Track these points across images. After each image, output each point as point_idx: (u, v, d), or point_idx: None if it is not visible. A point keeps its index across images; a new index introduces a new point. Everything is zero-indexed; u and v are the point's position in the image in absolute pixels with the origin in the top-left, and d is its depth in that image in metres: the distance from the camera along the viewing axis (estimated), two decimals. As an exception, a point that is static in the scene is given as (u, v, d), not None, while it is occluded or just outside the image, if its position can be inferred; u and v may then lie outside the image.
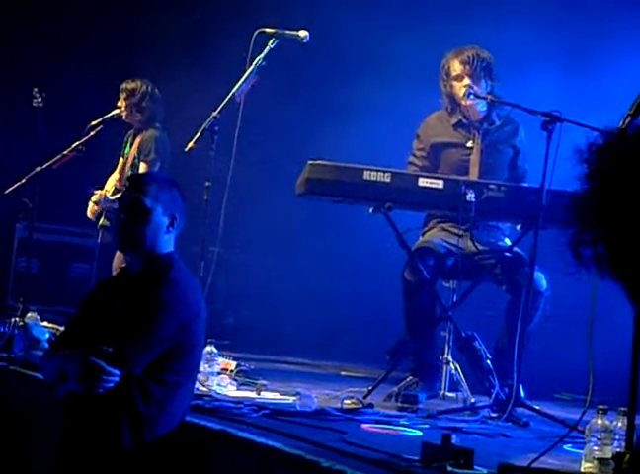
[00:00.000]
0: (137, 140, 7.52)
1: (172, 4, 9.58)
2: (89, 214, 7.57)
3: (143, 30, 9.44)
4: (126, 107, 7.50)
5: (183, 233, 4.21)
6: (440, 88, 5.93)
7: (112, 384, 3.79)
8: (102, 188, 7.62)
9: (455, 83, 5.82)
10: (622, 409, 3.65)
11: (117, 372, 3.80)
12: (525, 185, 5.67)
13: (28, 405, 5.20)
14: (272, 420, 4.42)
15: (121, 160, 7.69)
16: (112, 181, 7.66)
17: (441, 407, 5.33)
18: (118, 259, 7.14)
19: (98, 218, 7.55)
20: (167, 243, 4.09)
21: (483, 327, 5.79)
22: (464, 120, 5.90)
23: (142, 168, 7.38)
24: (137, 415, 3.87)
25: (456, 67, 5.80)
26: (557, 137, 5.14)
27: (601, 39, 7.30)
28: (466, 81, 5.78)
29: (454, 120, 5.92)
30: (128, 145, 7.62)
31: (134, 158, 7.50)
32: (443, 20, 8.11)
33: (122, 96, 7.52)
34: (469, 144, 5.89)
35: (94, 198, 7.48)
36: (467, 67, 5.77)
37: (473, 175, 5.75)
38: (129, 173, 7.47)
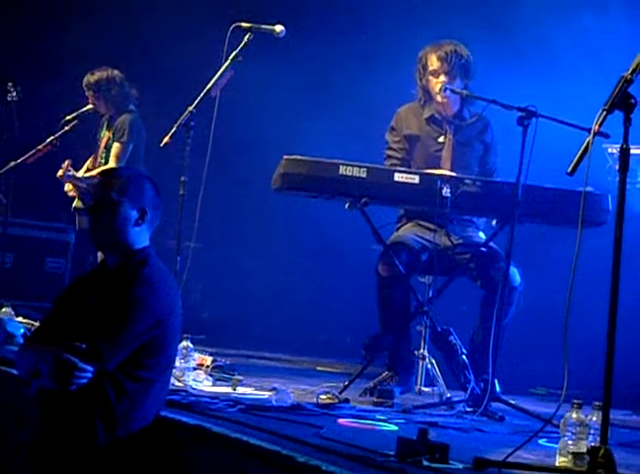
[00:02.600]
0: (111, 127, 7.48)
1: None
2: (66, 189, 7.50)
3: (120, 24, 9.41)
4: (98, 101, 7.46)
5: (159, 228, 4.20)
6: (415, 79, 5.93)
7: (85, 380, 3.78)
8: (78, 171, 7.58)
9: (431, 78, 5.83)
10: (597, 403, 3.67)
11: (89, 368, 3.78)
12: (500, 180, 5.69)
13: (2, 401, 5.17)
14: (247, 415, 4.41)
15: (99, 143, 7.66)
16: (87, 165, 7.64)
17: (417, 402, 5.35)
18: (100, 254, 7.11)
19: (73, 200, 7.50)
20: (140, 237, 4.08)
21: (458, 322, 5.81)
22: (437, 115, 5.91)
23: (115, 148, 7.34)
24: (110, 411, 3.86)
25: (434, 62, 5.80)
26: (532, 132, 5.17)
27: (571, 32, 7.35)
28: (442, 78, 5.78)
29: (427, 114, 5.92)
30: (104, 129, 7.57)
31: (108, 139, 7.46)
32: (418, 14, 8.14)
33: (89, 93, 7.46)
34: (441, 140, 5.90)
35: (59, 173, 7.38)
36: (445, 64, 5.77)
37: (445, 170, 5.76)
38: (103, 153, 7.44)
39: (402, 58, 6.33)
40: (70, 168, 7.24)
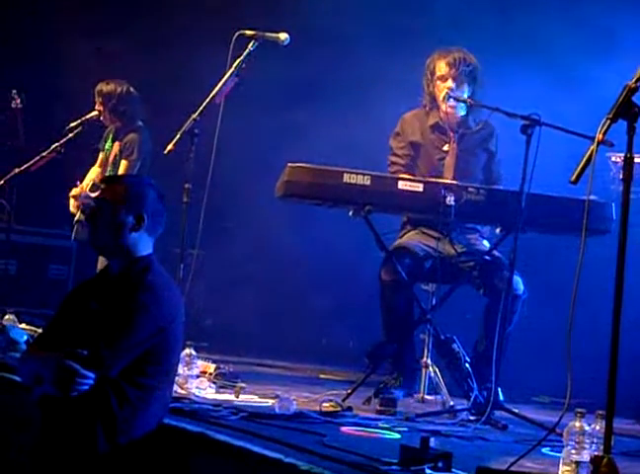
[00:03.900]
0: (119, 142, 7.47)
1: (154, 6, 9.56)
2: (72, 209, 7.48)
3: (124, 31, 9.42)
4: (105, 111, 7.45)
5: (162, 235, 4.20)
6: (422, 86, 5.93)
7: (86, 387, 3.78)
8: (82, 181, 7.56)
9: (439, 83, 5.83)
10: (600, 412, 3.66)
11: (91, 375, 3.79)
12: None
13: (4, 407, 5.17)
14: (250, 423, 4.41)
15: (102, 154, 7.64)
16: (92, 174, 7.62)
17: (420, 410, 5.34)
18: (101, 261, 7.10)
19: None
20: (140, 244, 4.08)
21: (462, 330, 5.80)
22: (441, 123, 5.91)
23: (123, 166, 7.34)
24: (112, 417, 3.86)
25: (441, 68, 5.81)
26: (536, 141, 5.17)
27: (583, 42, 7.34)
28: (449, 83, 5.78)
29: (432, 121, 5.92)
30: (110, 140, 7.56)
31: (116, 156, 7.46)
32: (423, 22, 8.13)
33: (99, 100, 7.46)
34: (445, 148, 5.90)
35: (73, 192, 7.39)
36: (452, 70, 5.78)
37: (447, 179, 5.76)
38: (110, 168, 7.44)
39: (408, 67, 6.33)
40: (85, 188, 7.30)
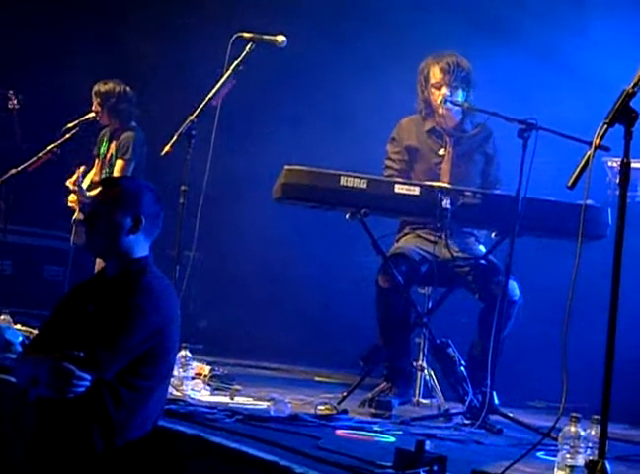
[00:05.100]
0: (114, 142, 7.47)
1: (153, 6, 9.56)
2: (70, 203, 7.46)
3: (121, 32, 9.42)
4: (102, 111, 7.45)
5: (158, 237, 4.20)
6: (416, 91, 5.93)
7: (82, 389, 3.78)
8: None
9: (433, 90, 5.83)
10: (595, 416, 3.67)
11: (87, 377, 3.78)
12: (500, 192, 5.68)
13: (0, 408, 5.16)
14: (245, 425, 4.40)
15: (97, 160, 7.62)
16: (88, 180, 7.61)
17: (415, 413, 5.34)
18: (99, 262, 7.08)
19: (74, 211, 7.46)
20: (137, 246, 4.08)
21: (457, 334, 5.80)
22: (437, 128, 5.91)
23: (118, 165, 7.34)
24: (108, 420, 3.86)
25: (435, 74, 5.81)
26: (533, 145, 5.17)
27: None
28: (444, 90, 5.78)
29: (428, 126, 5.92)
30: (104, 144, 7.56)
31: (112, 155, 7.45)
32: (419, 24, 8.15)
33: (97, 100, 7.46)
34: (441, 152, 5.89)
35: (69, 181, 7.33)
36: (447, 76, 5.77)
37: (444, 183, 5.75)
38: (107, 169, 7.43)
39: (402, 67, 6.33)
40: (81, 177, 7.25)
